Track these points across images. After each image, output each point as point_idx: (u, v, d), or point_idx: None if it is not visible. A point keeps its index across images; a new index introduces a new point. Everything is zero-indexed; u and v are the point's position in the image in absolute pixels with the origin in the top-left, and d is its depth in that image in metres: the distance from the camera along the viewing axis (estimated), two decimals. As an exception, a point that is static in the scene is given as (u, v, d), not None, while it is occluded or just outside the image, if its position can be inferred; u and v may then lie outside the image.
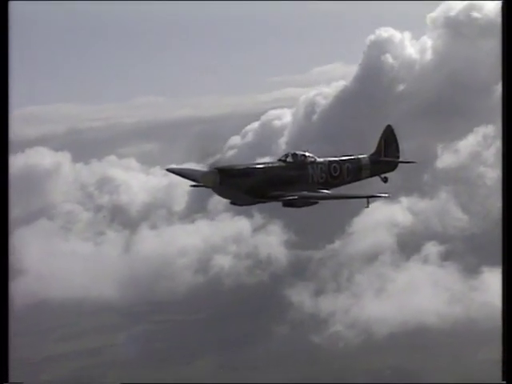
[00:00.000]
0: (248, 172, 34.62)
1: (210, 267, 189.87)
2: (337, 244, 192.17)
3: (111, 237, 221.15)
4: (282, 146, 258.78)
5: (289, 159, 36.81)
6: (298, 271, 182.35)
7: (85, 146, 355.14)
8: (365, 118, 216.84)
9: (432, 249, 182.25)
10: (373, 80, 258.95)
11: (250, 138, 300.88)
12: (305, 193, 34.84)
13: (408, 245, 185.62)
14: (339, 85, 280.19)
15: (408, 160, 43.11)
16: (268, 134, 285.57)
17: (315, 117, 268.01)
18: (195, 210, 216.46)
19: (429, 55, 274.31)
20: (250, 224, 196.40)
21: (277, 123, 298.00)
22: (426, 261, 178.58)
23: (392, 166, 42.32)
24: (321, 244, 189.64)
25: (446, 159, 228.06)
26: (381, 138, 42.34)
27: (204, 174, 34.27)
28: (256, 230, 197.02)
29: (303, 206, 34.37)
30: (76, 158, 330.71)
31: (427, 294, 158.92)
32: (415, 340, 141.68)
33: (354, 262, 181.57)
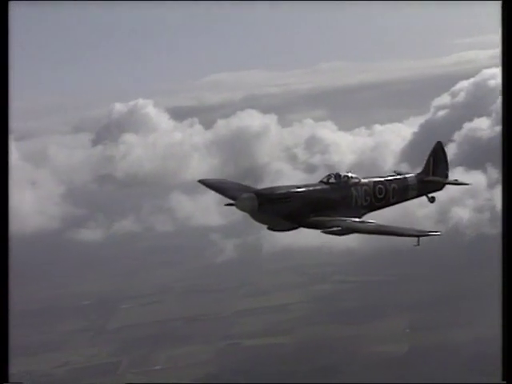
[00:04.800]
0: (288, 196, 31.65)
1: (449, 218, 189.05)
2: None
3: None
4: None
5: (331, 180, 33.72)
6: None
7: (272, 109, 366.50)
8: None
9: None
10: None
11: (461, 97, 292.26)
12: (349, 222, 31.26)
13: None
14: None
15: (460, 182, 39.11)
16: (482, 94, 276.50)
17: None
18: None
19: None
20: (484, 178, 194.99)
21: (492, 82, 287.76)
22: None
23: (440, 186, 38.64)
24: None
25: None
26: (429, 155, 38.80)
27: (241, 199, 31.24)
28: (491, 184, 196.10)
29: (344, 234, 30.72)
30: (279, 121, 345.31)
31: None
32: None
33: None
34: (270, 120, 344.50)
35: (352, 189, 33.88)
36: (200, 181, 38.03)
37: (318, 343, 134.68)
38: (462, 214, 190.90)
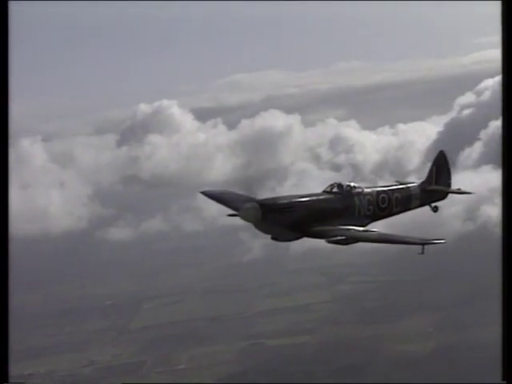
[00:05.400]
0: (291, 206, 31.68)
1: (477, 217, 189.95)
2: None
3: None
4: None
5: (334, 190, 33.81)
6: None
7: (291, 109, 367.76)
8: None
9: None
10: None
11: (486, 96, 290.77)
12: (352, 231, 31.41)
13: None
14: None
15: (463, 191, 38.96)
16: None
17: None
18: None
19: None
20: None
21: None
22: None
23: (443, 195, 38.74)
24: None
25: None
26: (432, 164, 39.07)
27: (244, 209, 31.34)
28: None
29: (348, 243, 30.89)
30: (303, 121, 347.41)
31: None
32: None
33: None
34: (294, 120, 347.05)
35: (355, 198, 33.92)
36: (202, 192, 38.24)
37: (340, 343, 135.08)
38: (491, 212, 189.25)
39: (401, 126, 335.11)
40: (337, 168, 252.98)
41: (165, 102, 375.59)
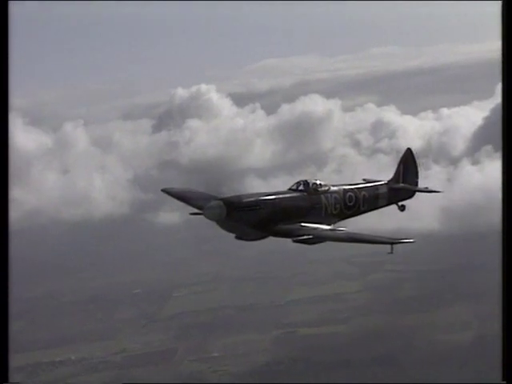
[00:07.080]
0: (256, 204, 31.14)
1: None
2: None
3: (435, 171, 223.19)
4: None
5: (300, 188, 33.40)
6: None
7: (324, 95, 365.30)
8: None
9: None
10: None
11: None
12: (319, 230, 30.74)
13: None
14: None
15: (430, 189, 38.43)
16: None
17: None
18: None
19: None
20: None
21: None
22: None
23: (410, 193, 38.41)
24: None
25: None
26: (399, 162, 38.62)
27: (209, 207, 30.86)
28: None
29: (315, 243, 30.18)
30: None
31: None
32: None
33: None
34: (334, 105, 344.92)
35: (322, 196, 33.53)
36: (164, 190, 37.53)
37: (374, 332, 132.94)
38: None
39: (444, 111, 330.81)
40: (384, 153, 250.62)
41: (203, 87, 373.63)
